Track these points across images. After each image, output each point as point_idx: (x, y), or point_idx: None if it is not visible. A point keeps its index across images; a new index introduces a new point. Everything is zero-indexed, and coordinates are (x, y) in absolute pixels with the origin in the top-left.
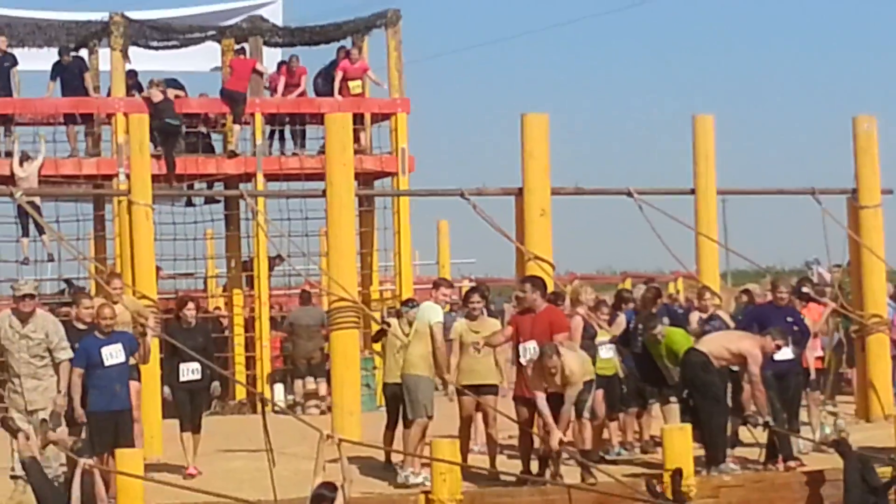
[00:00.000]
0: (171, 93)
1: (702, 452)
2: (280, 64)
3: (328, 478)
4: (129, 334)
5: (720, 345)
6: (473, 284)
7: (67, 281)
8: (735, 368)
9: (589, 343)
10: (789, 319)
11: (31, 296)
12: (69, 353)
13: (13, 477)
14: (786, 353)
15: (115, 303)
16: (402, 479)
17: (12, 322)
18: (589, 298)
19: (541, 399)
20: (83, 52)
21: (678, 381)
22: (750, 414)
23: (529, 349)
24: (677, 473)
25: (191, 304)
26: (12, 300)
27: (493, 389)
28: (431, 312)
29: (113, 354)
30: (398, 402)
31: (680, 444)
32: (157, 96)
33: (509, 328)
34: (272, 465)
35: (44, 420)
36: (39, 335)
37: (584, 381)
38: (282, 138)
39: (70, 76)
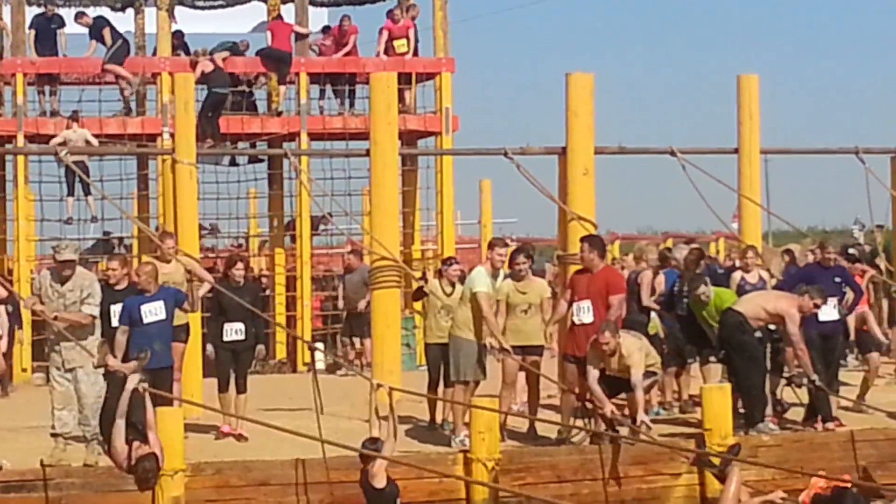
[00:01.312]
0: (219, 57)
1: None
2: (325, 28)
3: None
4: (174, 289)
5: (757, 304)
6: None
7: (106, 235)
8: (773, 328)
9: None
10: (837, 280)
11: (72, 261)
12: (93, 310)
13: (53, 435)
14: (830, 314)
15: (168, 261)
16: (456, 444)
17: (52, 282)
18: (652, 258)
19: (592, 375)
20: (129, 12)
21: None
22: (795, 374)
23: (584, 308)
24: (733, 449)
25: (239, 264)
26: (54, 261)
27: (538, 350)
28: (475, 280)
29: (153, 312)
30: (439, 362)
31: (719, 404)
32: (207, 66)
33: (568, 291)
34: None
35: (103, 341)
36: (76, 294)
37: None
38: (326, 97)
39: (46, 32)
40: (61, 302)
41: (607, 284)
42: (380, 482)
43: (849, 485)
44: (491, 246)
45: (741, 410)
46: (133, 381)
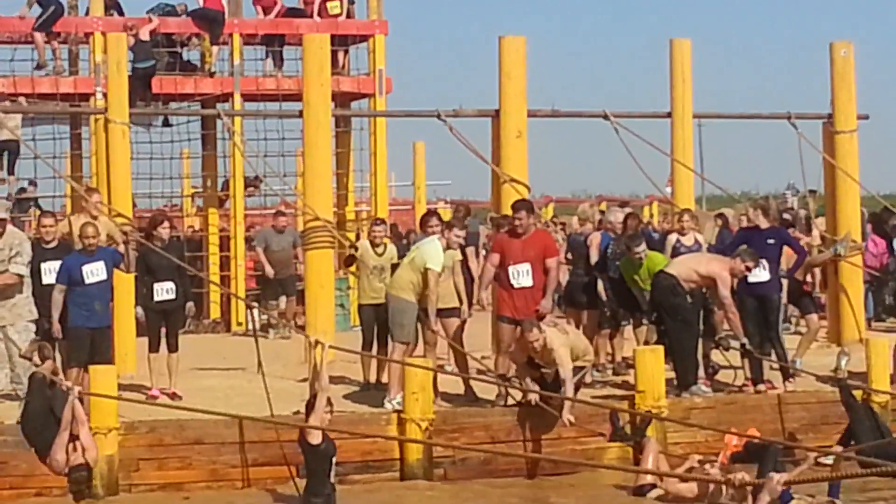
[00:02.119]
0: (145, 30)
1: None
2: None
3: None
4: (111, 250)
5: (689, 267)
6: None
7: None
8: (705, 290)
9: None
10: (771, 241)
11: (3, 220)
12: (21, 269)
13: None
14: (761, 275)
15: (96, 218)
16: (391, 405)
17: None
18: (595, 219)
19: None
20: None
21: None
22: (722, 337)
23: (523, 272)
24: (645, 421)
25: (165, 223)
26: None
27: (455, 312)
28: (431, 255)
29: (94, 272)
30: (373, 323)
31: (652, 366)
32: (129, 41)
33: (495, 255)
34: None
35: (37, 339)
36: (5, 252)
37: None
38: (259, 57)
39: None
40: None
41: (544, 248)
42: (315, 438)
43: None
44: (449, 226)
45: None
46: (75, 393)
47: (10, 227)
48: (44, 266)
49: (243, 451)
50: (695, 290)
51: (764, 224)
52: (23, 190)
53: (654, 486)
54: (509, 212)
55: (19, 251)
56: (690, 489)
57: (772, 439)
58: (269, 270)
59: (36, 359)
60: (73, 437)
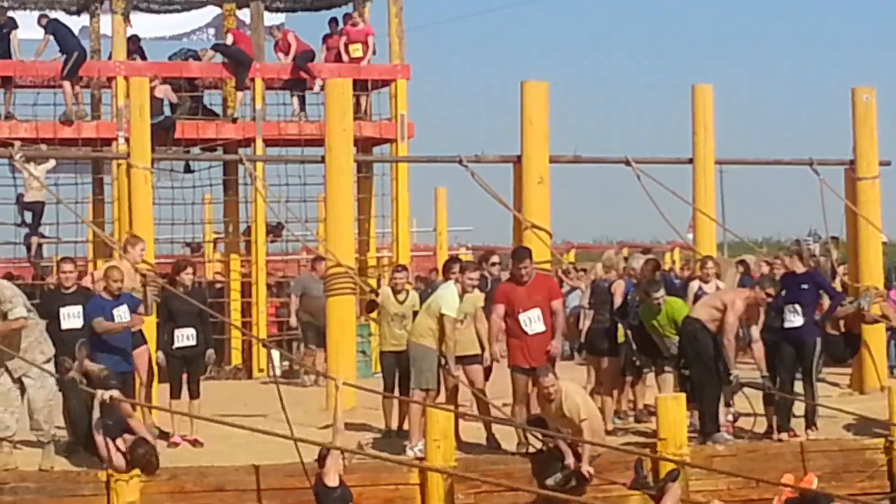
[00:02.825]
0: (161, 90)
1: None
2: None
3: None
4: (130, 295)
5: (708, 305)
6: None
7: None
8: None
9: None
10: (804, 286)
11: None
12: (20, 312)
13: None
14: (795, 320)
15: (138, 264)
16: (412, 452)
17: None
18: (620, 266)
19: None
20: (84, 17)
21: (676, 351)
22: (765, 375)
23: (534, 318)
24: (671, 474)
25: (188, 269)
26: None
27: (476, 359)
28: (446, 301)
29: (121, 316)
30: (394, 370)
31: (674, 413)
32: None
33: (500, 306)
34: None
35: (83, 342)
36: None
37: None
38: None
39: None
40: None
41: (549, 291)
42: (332, 480)
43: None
44: (462, 270)
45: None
46: (103, 396)
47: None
48: (63, 311)
49: (263, 498)
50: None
51: (799, 269)
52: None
53: None
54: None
55: (5, 299)
56: None
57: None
58: (294, 321)
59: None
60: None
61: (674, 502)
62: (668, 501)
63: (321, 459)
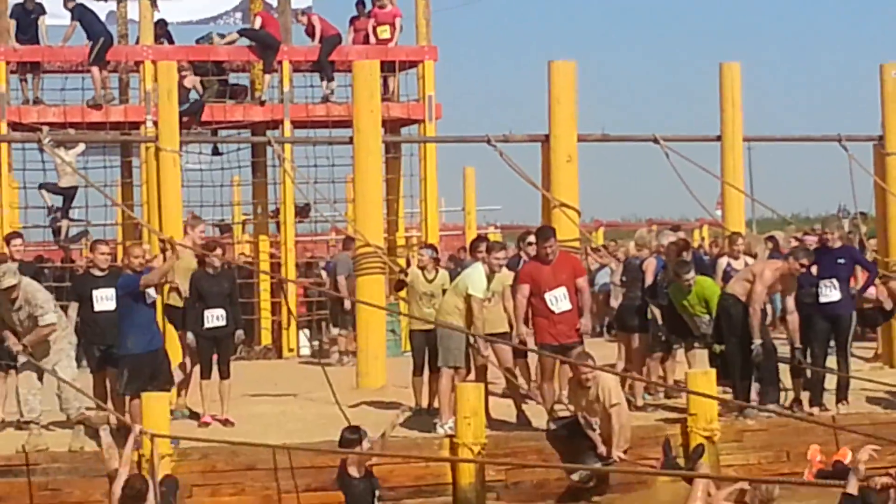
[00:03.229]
0: (190, 80)
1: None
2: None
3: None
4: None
5: (741, 279)
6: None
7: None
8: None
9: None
10: (841, 261)
11: (13, 286)
12: (52, 318)
13: (25, 423)
14: (831, 295)
15: (211, 248)
16: (442, 430)
17: (1, 302)
18: (653, 245)
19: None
20: (112, 1)
21: (708, 330)
22: (798, 348)
23: (560, 296)
24: (697, 451)
25: (217, 250)
26: None
27: (506, 337)
28: (474, 281)
29: (150, 293)
30: (423, 348)
31: (704, 389)
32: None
33: (525, 286)
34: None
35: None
36: (26, 309)
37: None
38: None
39: (26, 21)
40: (15, 316)
41: (574, 269)
42: (356, 471)
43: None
44: (489, 249)
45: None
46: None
47: (22, 282)
48: (95, 293)
49: (295, 477)
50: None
51: (837, 243)
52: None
53: None
54: (563, 236)
55: (37, 303)
56: None
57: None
58: (348, 304)
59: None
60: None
61: (703, 485)
62: (697, 484)
63: (347, 446)
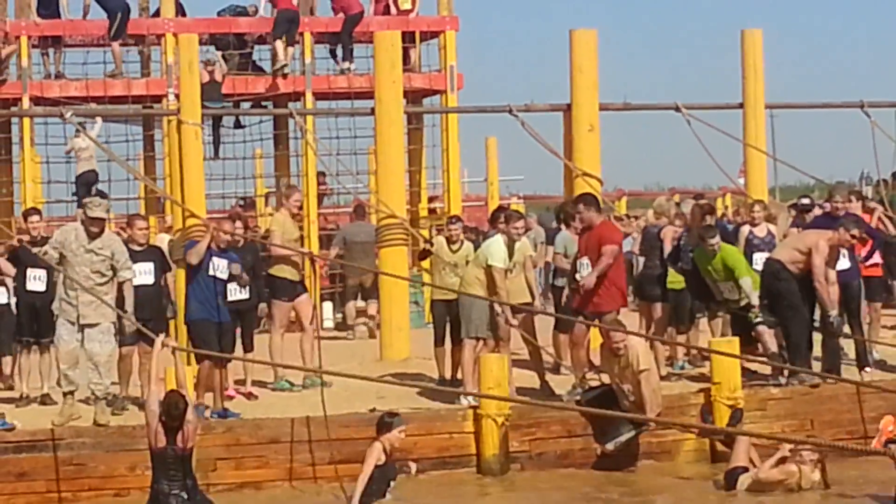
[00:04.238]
0: (219, 73)
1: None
2: None
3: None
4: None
5: (790, 247)
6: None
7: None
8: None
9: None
10: None
11: (102, 219)
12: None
13: (66, 392)
14: (842, 263)
15: (295, 215)
16: (465, 401)
17: (79, 235)
18: (672, 213)
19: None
20: None
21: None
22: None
23: (584, 265)
24: (735, 416)
25: (238, 223)
26: (84, 217)
27: (527, 307)
28: (493, 252)
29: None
30: (444, 319)
31: (727, 357)
32: (203, 76)
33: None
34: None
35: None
36: (105, 252)
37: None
38: (333, 56)
39: None
40: (88, 258)
41: (599, 237)
42: (379, 459)
43: None
44: (507, 219)
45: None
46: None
47: (107, 230)
48: (134, 268)
49: (318, 449)
50: (804, 274)
51: (859, 210)
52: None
53: (745, 469)
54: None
55: (125, 258)
56: (783, 472)
57: None
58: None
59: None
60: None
61: (745, 446)
62: (740, 446)
63: (380, 429)
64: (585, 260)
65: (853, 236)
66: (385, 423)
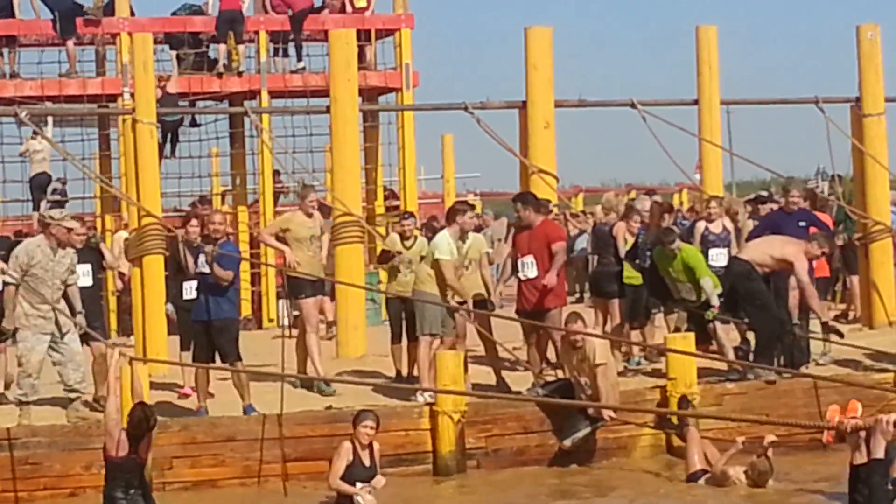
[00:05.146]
0: (173, 87)
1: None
2: None
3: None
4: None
5: (762, 251)
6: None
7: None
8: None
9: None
10: (801, 224)
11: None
12: (77, 277)
13: (26, 403)
14: None
15: (310, 215)
16: (422, 398)
17: (44, 250)
18: (620, 208)
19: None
20: None
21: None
22: (797, 322)
23: (528, 264)
24: (682, 403)
25: (195, 221)
26: (51, 227)
27: (482, 304)
28: (438, 246)
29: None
30: (399, 315)
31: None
32: (157, 94)
33: (513, 249)
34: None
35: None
36: (66, 260)
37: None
38: (286, 55)
39: None
40: (58, 270)
41: (546, 236)
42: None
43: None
44: (457, 212)
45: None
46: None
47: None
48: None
49: (274, 447)
50: (766, 275)
51: (795, 207)
52: (56, 192)
53: (705, 471)
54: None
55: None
56: (737, 475)
57: None
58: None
59: None
60: None
61: (696, 440)
62: (691, 441)
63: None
64: (529, 259)
65: (823, 253)
66: (355, 419)
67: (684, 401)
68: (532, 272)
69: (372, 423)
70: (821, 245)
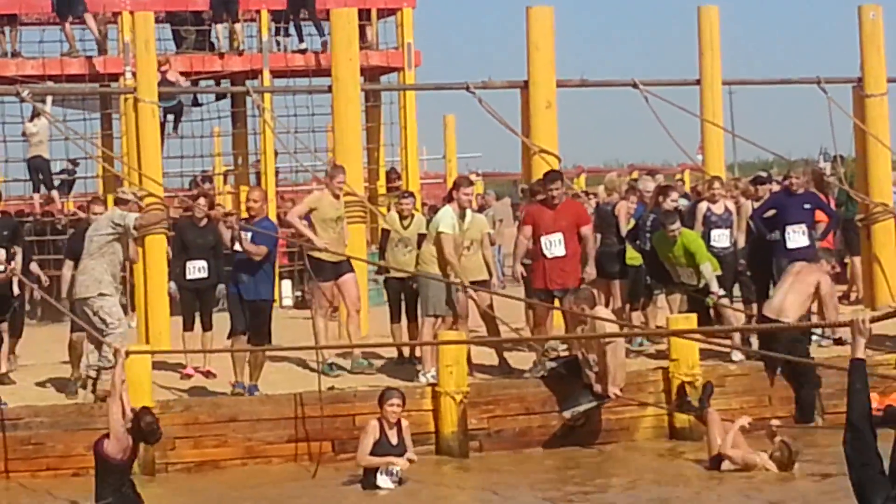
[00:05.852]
0: (172, 74)
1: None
2: None
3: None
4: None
5: (796, 302)
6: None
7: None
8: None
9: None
10: (806, 206)
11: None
12: None
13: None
14: (799, 240)
15: (338, 197)
16: (425, 378)
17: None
18: (622, 188)
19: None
20: None
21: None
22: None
23: (555, 241)
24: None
25: (202, 201)
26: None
27: (484, 285)
28: (440, 220)
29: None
30: (399, 295)
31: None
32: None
33: (528, 227)
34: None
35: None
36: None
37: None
38: (287, 34)
39: None
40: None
41: (577, 216)
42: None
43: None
44: (456, 186)
45: None
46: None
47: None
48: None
49: (277, 427)
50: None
51: (801, 189)
52: (65, 171)
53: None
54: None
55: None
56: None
57: None
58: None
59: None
60: None
61: (718, 424)
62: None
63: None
64: (557, 236)
65: (833, 267)
66: (381, 397)
67: (709, 387)
68: (560, 250)
69: (398, 401)
70: (829, 261)
